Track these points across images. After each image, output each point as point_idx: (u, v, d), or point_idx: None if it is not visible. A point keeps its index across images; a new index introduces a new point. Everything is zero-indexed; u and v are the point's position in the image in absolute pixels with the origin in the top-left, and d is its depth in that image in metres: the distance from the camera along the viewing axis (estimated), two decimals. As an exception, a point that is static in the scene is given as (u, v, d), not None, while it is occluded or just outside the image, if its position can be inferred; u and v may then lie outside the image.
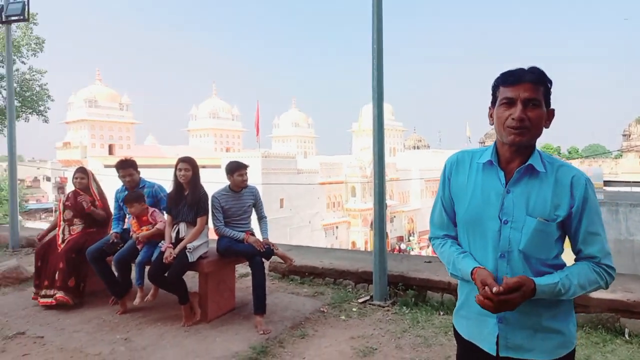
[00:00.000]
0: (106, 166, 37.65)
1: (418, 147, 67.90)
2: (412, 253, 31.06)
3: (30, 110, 21.05)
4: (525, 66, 1.42)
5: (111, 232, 4.44)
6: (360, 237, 37.78)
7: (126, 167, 4.50)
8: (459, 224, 1.55)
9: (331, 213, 37.54)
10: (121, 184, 4.60)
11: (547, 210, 1.39)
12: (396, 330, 3.78)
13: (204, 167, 4.37)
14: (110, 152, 48.23)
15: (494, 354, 1.46)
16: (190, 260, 3.90)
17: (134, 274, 4.36)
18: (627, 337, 3.49)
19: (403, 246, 38.34)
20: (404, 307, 4.30)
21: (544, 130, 1.44)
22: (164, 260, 3.82)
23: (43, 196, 59.73)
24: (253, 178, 4.44)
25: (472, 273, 1.42)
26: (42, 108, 21.54)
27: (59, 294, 4.34)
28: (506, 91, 1.39)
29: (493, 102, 1.46)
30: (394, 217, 40.32)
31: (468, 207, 1.48)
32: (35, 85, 21.38)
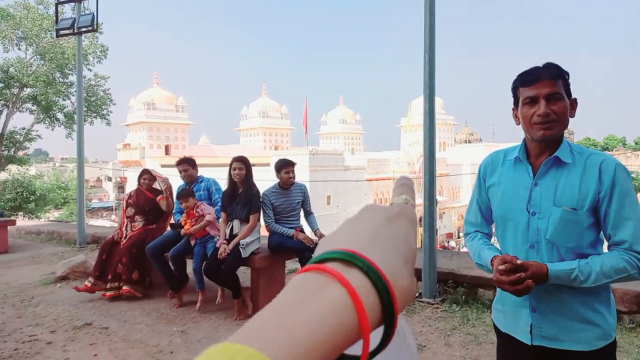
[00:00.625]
0: (163, 166, 39.40)
1: (470, 141, 65.90)
2: (463, 250, 30.26)
3: (95, 114, 22.44)
4: (540, 64, 1.46)
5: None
6: (410, 233, 37.23)
7: (182, 162, 4.82)
8: (495, 220, 1.60)
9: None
10: (181, 182, 4.89)
11: (575, 199, 1.39)
12: (445, 328, 3.74)
13: (253, 165, 4.51)
14: (167, 152, 50.39)
15: (529, 343, 1.47)
16: (243, 256, 4.06)
17: (190, 271, 4.59)
18: None
19: (452, 243, 37.38)
20: (454, 305, 4.23)
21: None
22: (218, 256, 3.99)
23: (105, 195, 63.46)
24: (301, 175, 4.53)
25: (491, 261, 1.48)
26: (105, 112, 22.92)
27: (126, 287, 4.67)
28: (527, 91, 1.43)
29: (515, 103, 1.50)
30: (443, 213, 39.39)
31: (500, 202, 1.54)
32: (100, 91, 22.76)
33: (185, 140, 53.00)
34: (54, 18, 8.62)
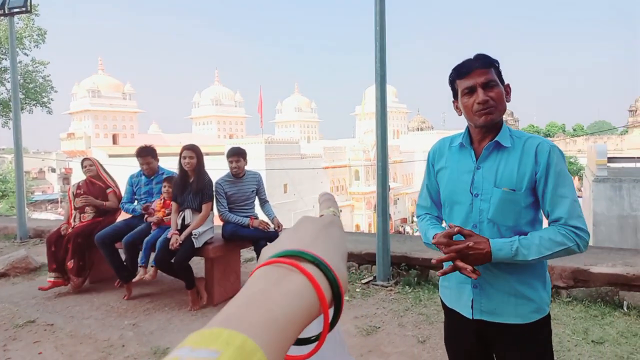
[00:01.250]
0: (110, 156, 37.84)
1: (422, 129, 67.54)
2: (416, 234, 31.11)
3: (34, 102, 21.08)
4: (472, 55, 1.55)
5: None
6: (364, 220, 37.86)
7: (145, 154, 4.59)
8: (442, 203, 1.69)
9: (335, 197, 37.57)
10: (136, 170, 4.72)
11: (514, 181, 1.48)
12: (399, 309, 3.85)
13: (207, 154, 4.43)
14: (115, 141, 48.36)
15: (470, 317, 1.56)
16: (196, 246, 3.97)
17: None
18: (626, 310, 3.56)
19: (407, 228, 38.35)
20: (407, 287, 4.36)
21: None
22: (170, 247, 3.89)
23: (49, 187, 60.18)
24: (257, 164, 4.49)
25: (433, 237, 1.56)
26: (45, 99, 21.57)
27: (51, 276, 4.47)
28: (463, 82, 1.52)
29: (455, 96, 1.59)
30: (398, 199, 40.30)
31: (446, 185, 1.63)
32: (39, 77, 21.36)
33: (134, 129, 51.04)
34: (-16, -3, 7.99)
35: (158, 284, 4.57)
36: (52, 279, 4.50)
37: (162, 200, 4.39)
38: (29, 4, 7.71)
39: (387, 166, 4.85)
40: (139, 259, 4.27)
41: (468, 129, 1.60)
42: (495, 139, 1.51)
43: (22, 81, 19.76)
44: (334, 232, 0.43)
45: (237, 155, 4.38)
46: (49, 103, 21.82)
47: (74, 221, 4.71)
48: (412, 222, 41.49)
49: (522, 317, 1.51)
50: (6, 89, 20.39)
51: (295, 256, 0.36)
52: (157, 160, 4.72)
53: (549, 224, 1.50)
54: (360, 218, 38.45)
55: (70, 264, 4.45)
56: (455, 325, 1.66)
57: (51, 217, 22.21)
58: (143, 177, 4.65)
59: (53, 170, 63.47)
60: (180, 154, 4.17)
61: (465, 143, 1.59)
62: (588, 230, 1.47)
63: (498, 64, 1.53)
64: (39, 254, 5.81)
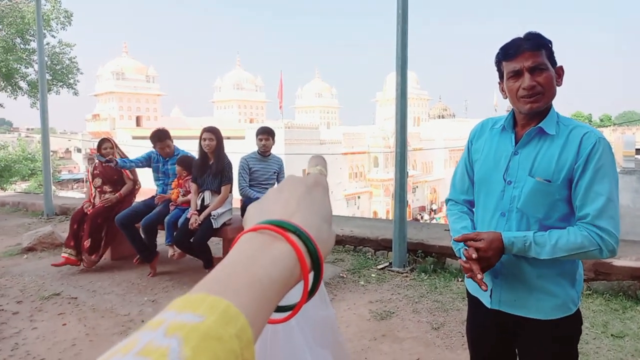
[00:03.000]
0: (134, 137, 38.39)
1: (443, 117, 66.47)
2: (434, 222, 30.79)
3: (61, 84, 21.48)
4: (522, 34, 1.43)
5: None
6: (382, 207, 37.73)
7: (163, 138, 4.62)
8: (475, 185, 1.59)
9: (353, 183, 37.50)
10: (144, 152, 4.77)
11: (551, 171, 1.38)
12: (414, 296, 3.85)
13: (228, 138, 4.50)
14: (138, 123, 49.08)
15: (489, 306, 1.51)
16: (214, 227, 4.04)
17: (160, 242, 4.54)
18: None
19: (426, 216, 38.05)
20: (423, 274, 4.35)
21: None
22: (189, 227, 3.96)
23: (75, 167, 61.63)
24: (276, 148, 4.55)
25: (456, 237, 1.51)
26: (72, 81, 21.92)
27: (66, 252, 4.56)
28: (509, 65, 1.41)
29: (500, 77, 1.48)
30: (416, 187, 39.95)
31: (480, 168, 1.54)
32: (65, 59, 21.71)
33: (157, 112, 51.69)
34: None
35: (178, 263, 4.67)
36: (66, 255, 4.57)
37: (177, 181, 4.47)
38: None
39: (406, 153, 4.80)
40: (165, 239, 4.35)
41: (513, 112, 1.50)
42: (540, 124, 1.40)
43: (49, 63, 20.10)
44: (317, 194, 0.45)
45: (267, 133, 4.50)
46: (75, 85, 22.19)
47: (94, 201, 4.83)
48: (432, 211, 41.23)
49: (543, 312, 1.43)
50: (34, 70, 20.85)
51: (278, 225, 0.37)
52: (172, 142, 4.75)
53: (576, 222, 1.38)
54: (378, 205, 38.36)
55: (86, 242, 4.56)
56: (478, 315, 1.60)
57: (76, 196, 22.79)
58: (161, 159, 4.71)
59: (79, 151, 64.92)
60: (200, 136, 4.22)
61: (508, 126, 1.49)
62: (618, 234, 1.33)
63: (551, 44, 1.40)
64: (64, 230, 5.99)
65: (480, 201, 1.55)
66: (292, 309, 0.39)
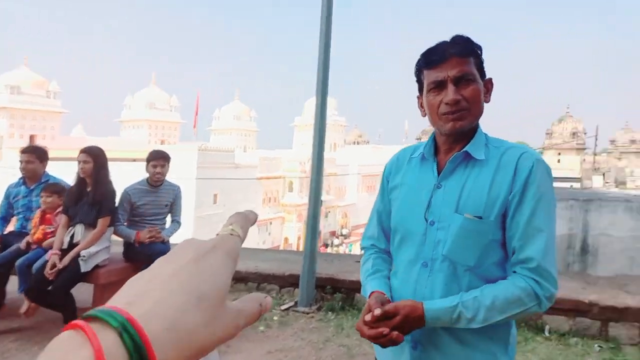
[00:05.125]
0: (25, 158, 34.65)
1: (358, 143, 68.90)
2: (350, 252, 31.27)
3: None
4: (447, 38, 1.18)
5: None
6: (294, 233, 37.39)
7: (28, 152, 3.91)
8: (392, 232, 1.30)
9: (267, 209, 36.88)
10: (17, 178, 4.00)
11: (482, 205, 1.11)
12: (318, 341, 3.49)
13: (134, 160, 3.82)
14: (31, 143, 44.60)
15: None
16: (82, 270, 3.33)
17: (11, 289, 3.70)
18: (547, 334, 3.52)
19: (336, 241, 38.67)
20: (330, 313, 4.03)
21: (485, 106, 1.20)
22: (45, 274, 3.20)
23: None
24: (188, 172, 3.94)
25: (369, 297, 1.21)
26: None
27: None
28: (431, 74, 1.16)
29: (420, 90, 1.23)
30: (329, 212, 40.41)
31: (398, 209, 1.26)
32: None
33: (55, 130, 47.54)
34: None
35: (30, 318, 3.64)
36: None
37: (40, 215, 3.69)
38: None
39: (322, 183, 4.50)
40: (17, 287, 3.55)
41: (434, 136, 1.24)
42: (465, 148, 1.15)
43: None
44: (209, 262, 0.35)
45: (163, 159, 3.82)
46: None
47: None
48: (342, 235, 41.84)
49: None
50: None
51: (102, 319, 0.29)
52: (44, 165, 3.98)
53: (512, 265, 1.13)
54: (290, 231, 38.01)
55: None
56: None
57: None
58: (22, 188, 3.92)
59: (-43, 172, 57.24)
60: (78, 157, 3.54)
61: (427, 154, 1.22)
62: (556, 277, 1.11)
63: (481, 51, 1.17)
64: None
65: (400, 250, 1.26)
66: None
